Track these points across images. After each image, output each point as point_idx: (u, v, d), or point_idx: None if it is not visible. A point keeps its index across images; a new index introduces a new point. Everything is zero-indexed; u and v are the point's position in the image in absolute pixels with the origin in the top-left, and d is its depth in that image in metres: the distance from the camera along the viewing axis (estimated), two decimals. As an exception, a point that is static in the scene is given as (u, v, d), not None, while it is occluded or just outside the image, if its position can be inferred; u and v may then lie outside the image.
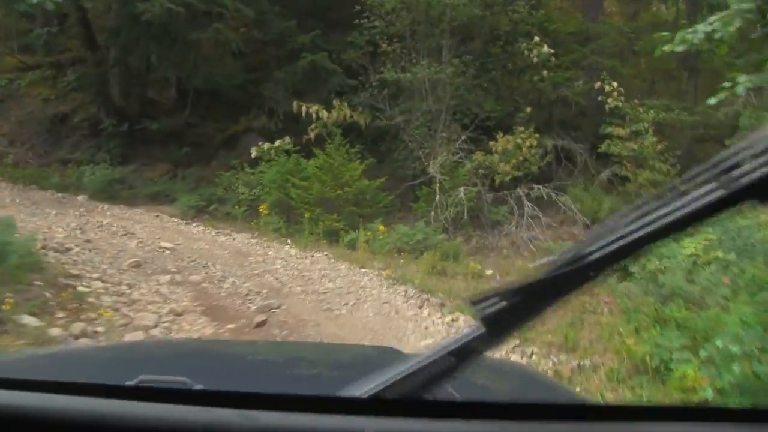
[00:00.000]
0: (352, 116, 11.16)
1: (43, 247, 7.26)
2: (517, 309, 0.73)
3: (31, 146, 13.66)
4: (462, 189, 9.92)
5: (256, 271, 7.50)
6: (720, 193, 0.65)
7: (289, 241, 9.40)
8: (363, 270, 7.60)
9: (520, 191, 10.18)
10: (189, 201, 11.24)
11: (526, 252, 9.50)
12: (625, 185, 10.83)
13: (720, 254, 6.27)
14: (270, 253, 8.62)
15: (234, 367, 1.69)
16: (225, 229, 10.01)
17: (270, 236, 9.64)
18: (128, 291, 6.30)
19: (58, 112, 14.01)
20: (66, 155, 13.30)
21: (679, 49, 3.80)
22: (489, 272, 8.03)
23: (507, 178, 10.36)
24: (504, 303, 0.73)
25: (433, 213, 9.79)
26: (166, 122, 13.74)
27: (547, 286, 0.72)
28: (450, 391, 0.86)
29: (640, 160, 10.74)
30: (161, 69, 13.19)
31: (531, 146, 10.67)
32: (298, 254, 8.55)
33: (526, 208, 9.99)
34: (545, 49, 11.31)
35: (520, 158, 10.55)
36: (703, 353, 3.55)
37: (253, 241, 9.37)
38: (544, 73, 11.48)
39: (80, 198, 11.48)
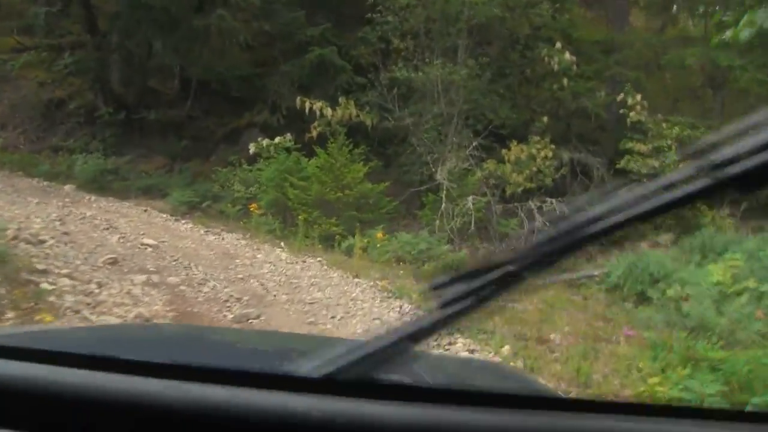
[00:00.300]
0: (358, 116, 10.60)
1: (15, 238, 6.78)
2: (473, 293, 0.71)
3: (23, 131, 13.13)
4: (470, 198, 9.43)
5: (240, 275, 6.93)
6: (704, 183, 0.64)
7: (282, 244, 8.84)
8: (357, 280, 7.02)
9: (532, 204, 9.67)
10: (181, 197, 10.68)
11: (536, 269, 8.91)
12: (643, 204, 10.27)
13: (752, 284, 5.82)
14: (259, 256, 8.04)
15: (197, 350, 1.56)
16: (215, 228, 9.45)
17: (262, 238, 9.08)
18: (96, 290, 5.74)
19: (54, 97, 13.47)
20: (59, 142, 12.76)
21: (744, 35, 3.19)
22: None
23: (519, 190, 9.90)
24: (462, 286, 0.71)
25: (438, 222, 9.31)
26: (167, 113, 13.20)
27: (505, 270, 0.70)
28: (401, 375, 0.80)
29: (661, 178, 10.18)
30: (164, 56, 12.64)
31: (546, 158, 10.23)
32: (290, 259, 7.98)
33: (537, 223, 9.45)
34: (567, 56, 10.87)
35: (534, 169, 10.13)
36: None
37: (243, 242, 8.80)
38: (564, 81, 11.04)
39: (67, 188, 10.94)
